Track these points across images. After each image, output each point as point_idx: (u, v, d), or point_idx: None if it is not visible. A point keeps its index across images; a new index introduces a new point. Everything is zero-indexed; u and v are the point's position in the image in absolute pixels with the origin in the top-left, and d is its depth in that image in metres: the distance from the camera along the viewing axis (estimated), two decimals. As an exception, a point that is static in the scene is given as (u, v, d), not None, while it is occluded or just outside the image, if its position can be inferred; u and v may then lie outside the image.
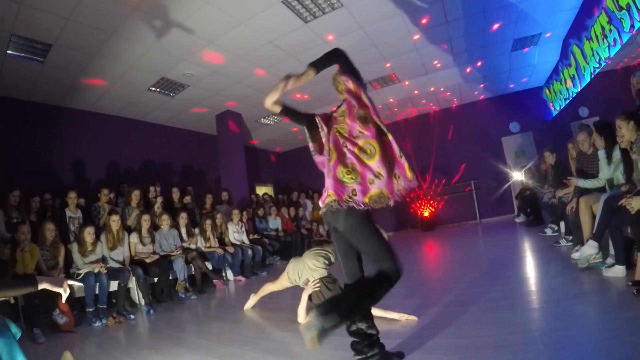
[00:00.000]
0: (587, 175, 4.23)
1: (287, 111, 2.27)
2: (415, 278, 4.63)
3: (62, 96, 6.77)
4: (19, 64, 5.51)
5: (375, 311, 2.51)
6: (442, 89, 9.77)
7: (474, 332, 2.42)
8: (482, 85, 9.96)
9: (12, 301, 3.98)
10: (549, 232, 5.80)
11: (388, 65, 7.77)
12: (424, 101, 10.62)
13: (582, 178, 4.23)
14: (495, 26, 6.67)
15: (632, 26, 4.86)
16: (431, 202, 11.11)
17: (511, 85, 10.21)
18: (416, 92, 9.69)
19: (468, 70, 8.66)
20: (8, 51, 5.17)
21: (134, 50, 5.74)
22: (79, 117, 7.38)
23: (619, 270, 3.06)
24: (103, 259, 4.96)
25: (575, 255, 3.52)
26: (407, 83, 8.94)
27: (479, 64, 8.36)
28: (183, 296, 5.36)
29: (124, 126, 8.24)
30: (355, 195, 1.97)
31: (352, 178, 1.99)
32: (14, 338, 2.02)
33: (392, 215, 11.96)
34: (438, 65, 8.16)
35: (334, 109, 2.27)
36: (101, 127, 7.77)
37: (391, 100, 10.05)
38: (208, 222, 6.51)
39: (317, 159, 2.29)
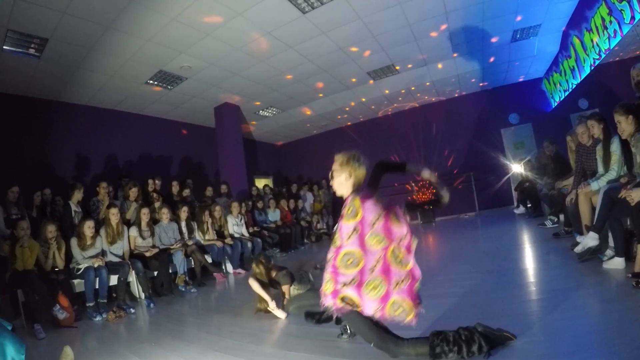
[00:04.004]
0: (591, 172, 4.20)
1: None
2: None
3: (59, 91, 6.74)
4: (16, 60, 5.47)
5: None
6: (440, 80, 9.72)
7: (473, 322, 2.42)
8: (481, 79, 9.93)
9: None
10: (548, 223, 5.80)
11: (387, 56, 7.73)
12: (419, 94, 10.60)
13: (587, 177, 4.18)
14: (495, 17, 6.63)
15: (633, 17, 4.83)
16: (430, 193, 11.11)
17: (510, 70, 10.12)
18: (414, 84, 9.65)
19: (466, 61, 8.61)
20: (4, 47, 5.12)
21: (130, 43, 5.70)
22: (76, 112, 7.35)
23: (618, 262, 3.06)
24: (103, 253, 4.96)
25: (577, 249, 3.52)
26: (405, 74, 8.90)
27: (477, 54, 8.30)
28: (183, 289, 5.37)
29: (122, 120, 8.21)
30: None
31: None
32: (6, 329, 2.03)
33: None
34: (437, 55, 8.12)
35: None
36: (99, 121, 7.74)
37: (387, 92, 10.02)
38: (206, 214, 6.51)
39: None
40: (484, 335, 2.00)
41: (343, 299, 2.07)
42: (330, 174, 2.30)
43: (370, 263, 2.06)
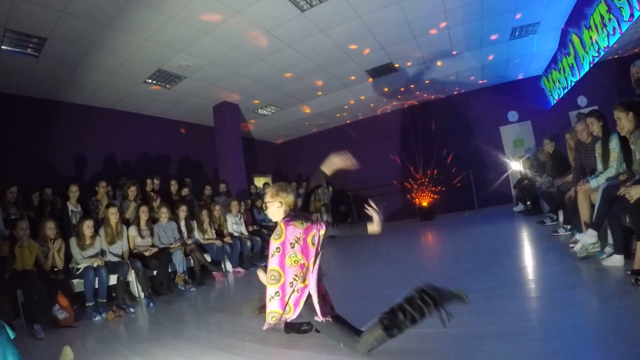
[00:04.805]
0: (590, 170, 4.20)
1: None
2: (413, 267, 4.65)
3: (57, 90, 6.72)
4: (14, 59, 5.45)
5: None
6: (439, 78, 9.70)
7: (473, 321, 2.43)
8: (480, 77, 9.92)
9: None
10: (547, 221, 5.81)
11: (386, 54, 7.72)
12: (418, 92, 10.60)
13: (586, 175, 4.19)
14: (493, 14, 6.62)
15: (632, 15, 4.83)
16: (429, 191, 11.12)
17: (509, 68, 10.10)
18: (413, 82, 9.63)
19: (465, 58, 8.60)
20: (2, 46, 5.11)
21: (129, 42, 5.68)
22: (75, 111, 7.34)
23: (617, 260, 3.06)
24: (102, 253, 4.95)
25: (576, 247, 3.52)
26: (404, 72, 8.89)
27: (476, 52, 8.30)
28: (182, 288, 5.37)
29: (121, 119, 8.20)
30: None
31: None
32: (8, 338, 2.02)
33: (391, 205, 11.99)
34: (435, 53, 8.11)
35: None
36: (97, 121, 7.73)
37: (386, 89, 10.00)
38: (205, 213, 6.50)
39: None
40: (424, 291, 2.10)
41: (271, 315, 2.45)
42: (264, 204, 2.63)
43: (289, 278, 2.39)
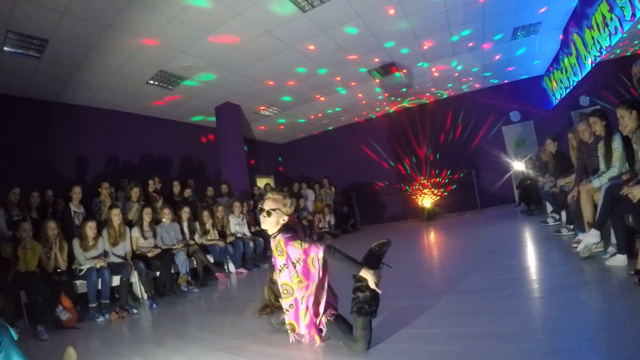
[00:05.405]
0: (592, 170, 4.19)
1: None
2: (415, 267, 4.64)
3: (59, 92, 6.74)
4: (16, 61, 5.47)
5: None
6: (441, 78, 9.71)
7: (476, 321, 2.42)
8: (482, 77, 9.91)
9: None
10: (550, 221, 5.79)
11: (387, 54, 7.73)
12: (420, 92, 10.60)
13: (588, 174, 4.17)
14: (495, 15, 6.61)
15: (634, 15, 4.81)
16: (432, 192, 11.11)
17: (511, 68, 10.11)
18: (415, 82, 9.63)
19: (467, 59, 8.60)
20: (4, 48, 5.13)
21: (130, 43, 5.69)
22: (76, 112, 7.35)
23: (620, 260, 3.05)
24: (105, 254, 4.96)
25: (579, 248, 3.51)
26: (405, 72, 8.89)
27: (477, 52, 8.29)
28: (185, 289, 5.37)
29: (123, 120, 8.22)
30: None
31: None
32: (12, 339, 2.03)
33: (394, 205, 11.98)
34: (437, 54, 8.11)
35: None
36: (99, 122, 7.75)
37: (388, 90, 10.02)
38: (207, 214, 6.51)
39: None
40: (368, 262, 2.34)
41: (290, 326, 2.55)
42: (269, 210, 2.54)
43: (300, 294, 2.46)
